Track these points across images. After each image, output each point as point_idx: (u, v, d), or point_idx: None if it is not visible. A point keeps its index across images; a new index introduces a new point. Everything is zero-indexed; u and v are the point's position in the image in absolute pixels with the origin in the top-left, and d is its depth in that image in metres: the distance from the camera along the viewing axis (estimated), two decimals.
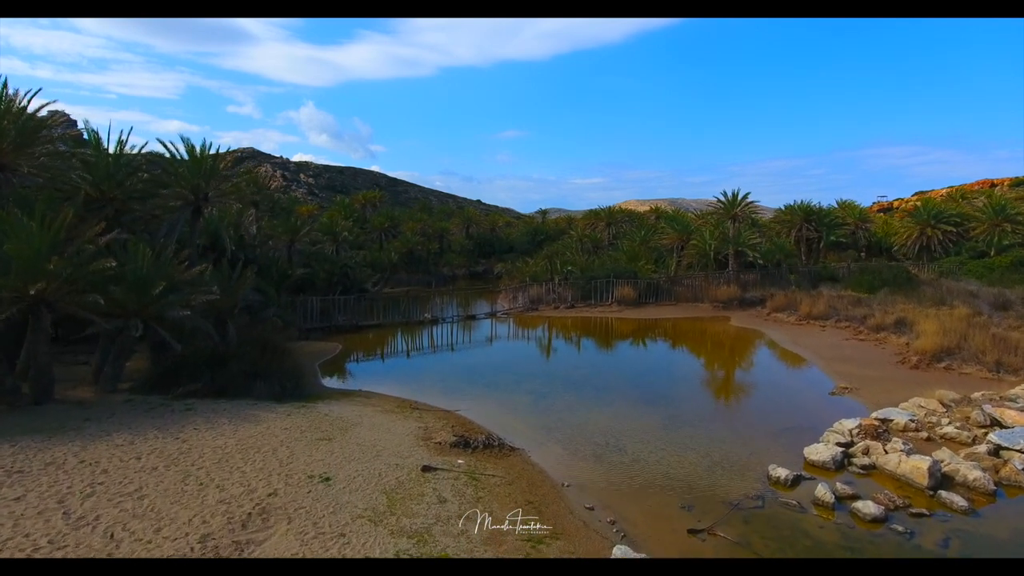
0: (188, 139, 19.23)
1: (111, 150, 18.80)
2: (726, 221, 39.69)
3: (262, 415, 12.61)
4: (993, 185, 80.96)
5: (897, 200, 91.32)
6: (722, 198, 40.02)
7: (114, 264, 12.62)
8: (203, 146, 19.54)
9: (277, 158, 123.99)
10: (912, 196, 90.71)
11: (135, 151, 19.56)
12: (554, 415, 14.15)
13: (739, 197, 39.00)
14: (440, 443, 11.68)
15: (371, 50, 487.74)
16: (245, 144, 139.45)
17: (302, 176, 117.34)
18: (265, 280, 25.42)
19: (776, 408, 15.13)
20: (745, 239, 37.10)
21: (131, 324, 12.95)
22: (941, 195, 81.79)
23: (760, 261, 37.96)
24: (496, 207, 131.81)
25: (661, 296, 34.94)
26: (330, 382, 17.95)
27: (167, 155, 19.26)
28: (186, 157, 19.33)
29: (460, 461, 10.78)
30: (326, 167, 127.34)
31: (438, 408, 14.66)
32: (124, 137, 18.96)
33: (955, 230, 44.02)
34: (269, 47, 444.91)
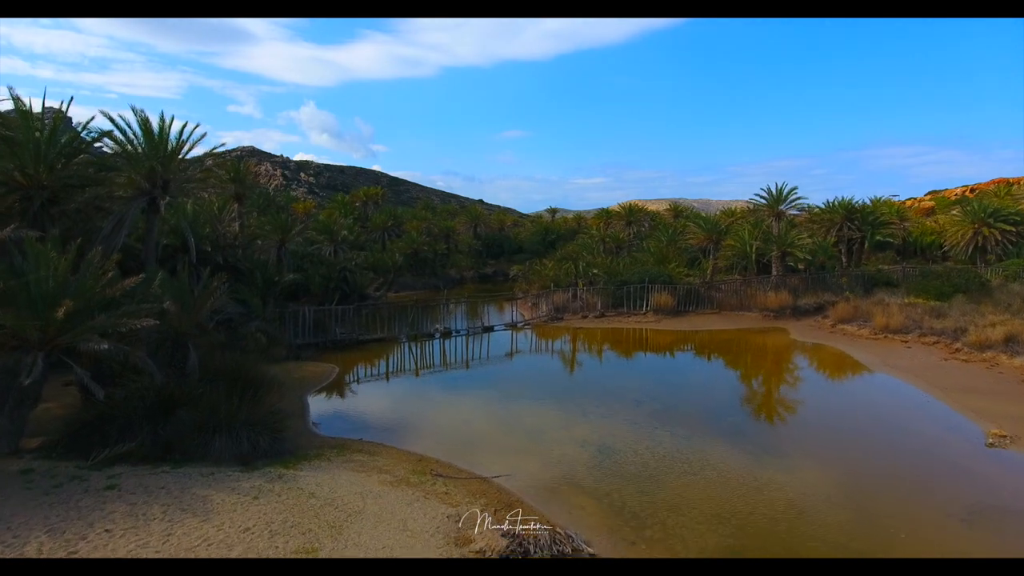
0: (142, 110, 15.14)
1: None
2: (769, 219, 35.61)
3: (216, 498, 8.57)
4: (1010, 184, 77.80)
5: (910, 200, 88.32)
6: (764, 193, 35.93)
7: None
8: (162, 120, 15.44)
9: (277, 157, 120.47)
10: (925, 195, 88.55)
11: (80, 128, 15.51)
12: (635, 485, 10.10)
13: (784, 192, 34.92)
14: (482, 551, 7.63)
15: (373, 50, 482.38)
16: (246, 143, 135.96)
17: (302, 175, 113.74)
18: (248, 287, 21.44)
19: (930, 470, 11.09)
20: (793, 238, 33.00)
21: (26, 361, 8.92)
22: (956, 194, 79.05)
23: (801, 265, 34.05)
24: (498, 207, 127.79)
25: (701, 303, 30.87)
26: (321, 419, 14.00)
27: (116, 132, 15.12)
28: (140, 135, 15.23)
29: None
30: (327, 166, 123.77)
31: (467, 473, 10.61)
32: (63, 109, 14.92)
33: (1014, 229, 39.98)
34: (271, 47, 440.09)
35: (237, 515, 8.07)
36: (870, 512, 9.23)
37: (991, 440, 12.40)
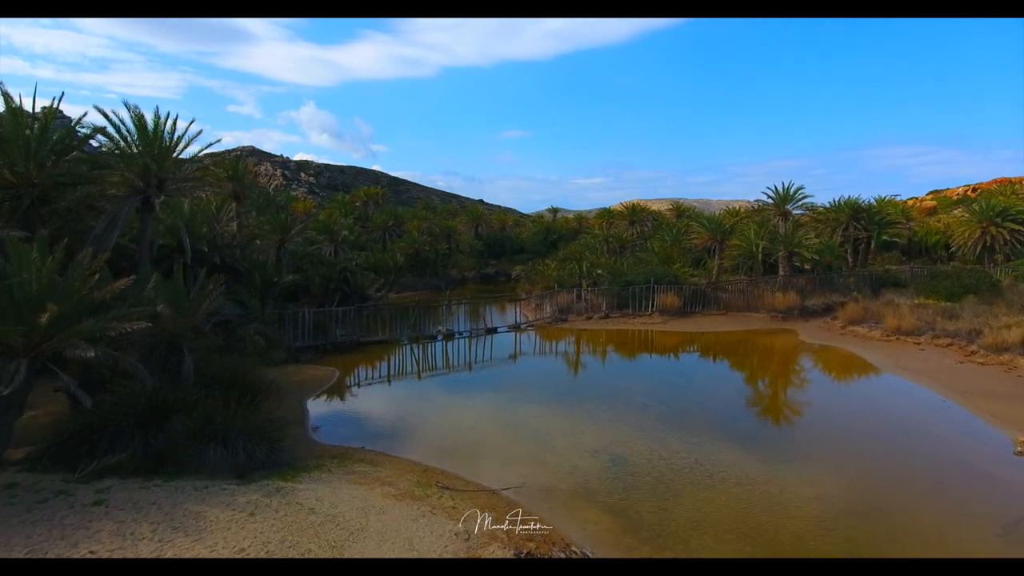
0: (136, 106, 14.62)
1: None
2: (775, 219, 35.07)
3: (210, 515, 8.08)
4: (1012, 183, 77.51)
5: (911, 199, 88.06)
6: (770, 192, 35.35)
7: None
8: (157, 117, 14.92)
9: (277, 157, 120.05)
10: (927, 195, 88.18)
11: (73, 124, 14.98)
12: (652, 500, 9.60)
13: (791, 191, 34.38)
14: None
15: (373, 50, 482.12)
16: (246, 143, 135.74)
17: (303, 175, 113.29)
18: (246, 289, 20.92)
19: (960, 481, 10.61)
20: (800, 238, 32.48)
21: (8, 369, 8.42)
22: (958, 194, 78.91)
23: (807, 265, 33.55)
24: (499, 207, 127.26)
25: (708, 304, 30.36)
26: (321, 425, 13.53)
27: (110, 129, 14.57)
28: (134, 132, 14.70)
29: None
30: (327, 166, 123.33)
31: (475, 485, 10.12)
32: (55, 106, 14.42)
33: (1023, 229, 39.51)
34: (271, 47, 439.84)
35: (232, 534, 7.57)
36: (901, 527, 8.74)
37: (1019, 448, 11.91)
